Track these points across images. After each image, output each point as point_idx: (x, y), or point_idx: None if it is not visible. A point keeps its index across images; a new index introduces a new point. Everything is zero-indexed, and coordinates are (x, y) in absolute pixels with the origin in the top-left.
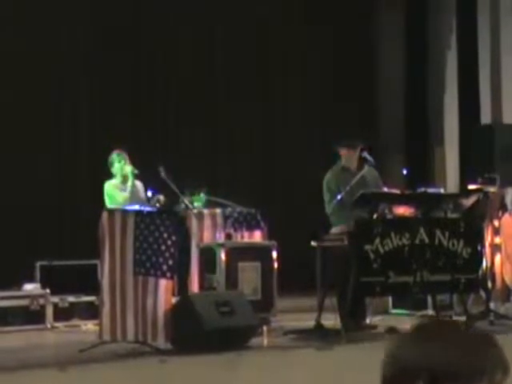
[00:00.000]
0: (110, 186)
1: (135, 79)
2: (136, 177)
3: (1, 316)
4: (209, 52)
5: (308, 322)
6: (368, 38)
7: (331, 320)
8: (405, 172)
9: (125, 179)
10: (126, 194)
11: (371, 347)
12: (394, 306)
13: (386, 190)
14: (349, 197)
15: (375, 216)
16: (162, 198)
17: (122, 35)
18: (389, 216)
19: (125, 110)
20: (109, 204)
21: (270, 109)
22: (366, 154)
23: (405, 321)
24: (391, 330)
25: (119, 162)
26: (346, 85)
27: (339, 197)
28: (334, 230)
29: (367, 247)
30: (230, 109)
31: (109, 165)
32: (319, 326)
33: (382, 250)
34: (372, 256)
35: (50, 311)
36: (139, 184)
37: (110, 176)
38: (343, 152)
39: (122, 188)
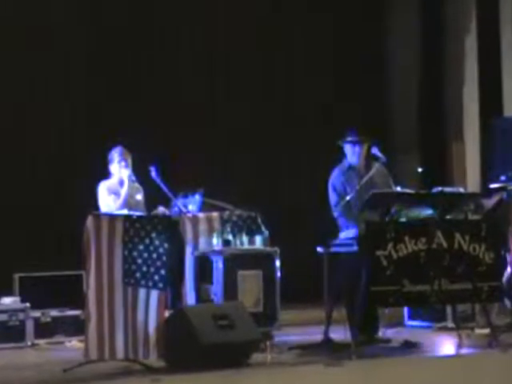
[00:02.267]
0: (101, 187)
1: (132, 74)
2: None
3: None
4: (211, 49)
5: (315, 335)
6: (379, 23)
7: (340, 333)
8: (420, 170)
9: (122, 182)
10: (119, 200)
11: (384, 363)
12: (410, 318)
13: (399, 189)
14: (357, 198)
15: (387, 219)
16: (162, 209)
17: (120, 32)
18: (402, 218)
19: (115, 104)
20: (101, 208)
21: (273, 104)
22: (375, 151)
23: (422, 334)
24: (407, 344)
25: (119, 162)
26: (353, 75)
27: (348, 198)
28: (342, 234)
29: (379, 253)
30: (229, 106)
31: (107, 160)
32: (327, 340)
33: (395, 256)
34: (384, 262)
35: (30, 327)
36: (138, 187)
37: (104, 175)
38: (349, 149)
39: (115, 191)
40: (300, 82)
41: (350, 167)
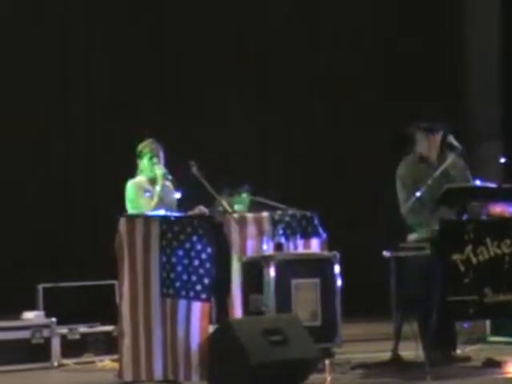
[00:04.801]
0: (132, 187)
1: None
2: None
3: None
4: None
5: (382, 353)
6: (458, 6)
7: (411, 350)
8: (503, 161)
9: (153, 180)
10: (153, 200)
11: None
12: (493, 333)
13: (478, 183)
14: (430, 194)
15: (465, 217)
16: (202, 208)
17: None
18: (483, 217)
19: (151, 94)
20: (130, 209)
21: (332, 93)
22: (451, 139)
23: (506, 351)
24: (489, 363)
25: (150, 159)
26: (428, 58)
27: (418, 194)
28: (413, 236)
29: (456, 257)
30: (283, 96)
31: (136, 154)
32: (396, 359)
33: (474, 261)
34: (462, 268)
35: (56, 345)
36: (169, 184)
37: (133, 171)
38: (421, 137)
39: (147, 189)
40: (361, 69)
41: (421, 158)
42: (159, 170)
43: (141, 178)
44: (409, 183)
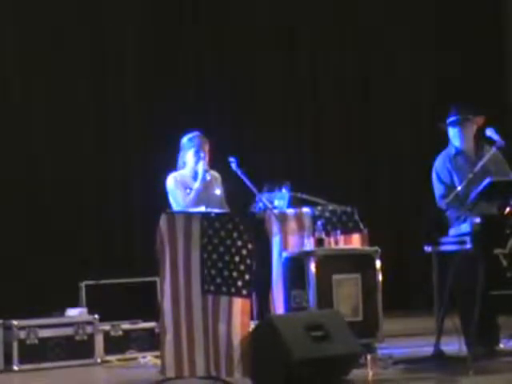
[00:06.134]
0: (172, 180)
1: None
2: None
3: (39, 349)
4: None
5: (424, 348)
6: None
7: (454, 345)
8: None
9: (195, 175)
10: (190, 196)
11: (507, 380)
12: None
13: None
14: (469, 188)
15: (507, 211)
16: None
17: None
18: None
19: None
20: (171, 202)
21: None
22: (491, 132)
23: None
24: None
25: (196, 153)
26: (470, 48)
27: (459, 188)
28: (454, 230)
29: (498, 251)
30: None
31: (180, 146)
32: (439, 354)
33: None
34: (505, 262)
35: (99, 342)
36: (217, 178)
37: (171, 166)
38: (452, 130)
39: (187, 185)
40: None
41: (458, 152)
42: (201, 166)
43: (183, 172)
44: (446, 178)
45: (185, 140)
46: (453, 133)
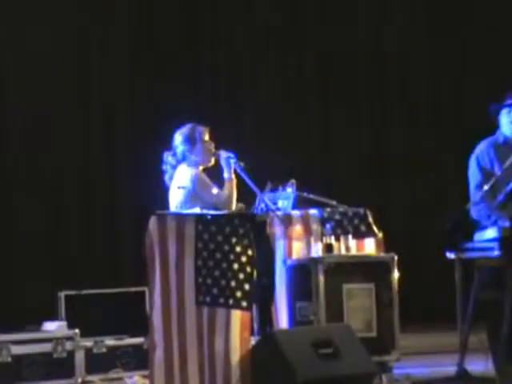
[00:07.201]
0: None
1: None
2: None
3: (13, 368)
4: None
5: (446, 367)
6: None
7: (480, 364)
8: None
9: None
10: (226, 191)
11: None
12: None
13: None
14: (501, 184)
15: None
16: (241, 205)
17: None
18: None
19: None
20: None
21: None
22: None
23: None
24: None
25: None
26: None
27: (491, 182)
28: (481, 234)
29: None
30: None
31: (184, 140)
32: (463, 374)
33: None
34: None
35: (80, 359)
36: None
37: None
38: (505, 115)
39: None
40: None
41: (506, 141)
42: (224, 154)
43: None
44: (486, 166)
45: (191, 132)
46: (506, 120)
